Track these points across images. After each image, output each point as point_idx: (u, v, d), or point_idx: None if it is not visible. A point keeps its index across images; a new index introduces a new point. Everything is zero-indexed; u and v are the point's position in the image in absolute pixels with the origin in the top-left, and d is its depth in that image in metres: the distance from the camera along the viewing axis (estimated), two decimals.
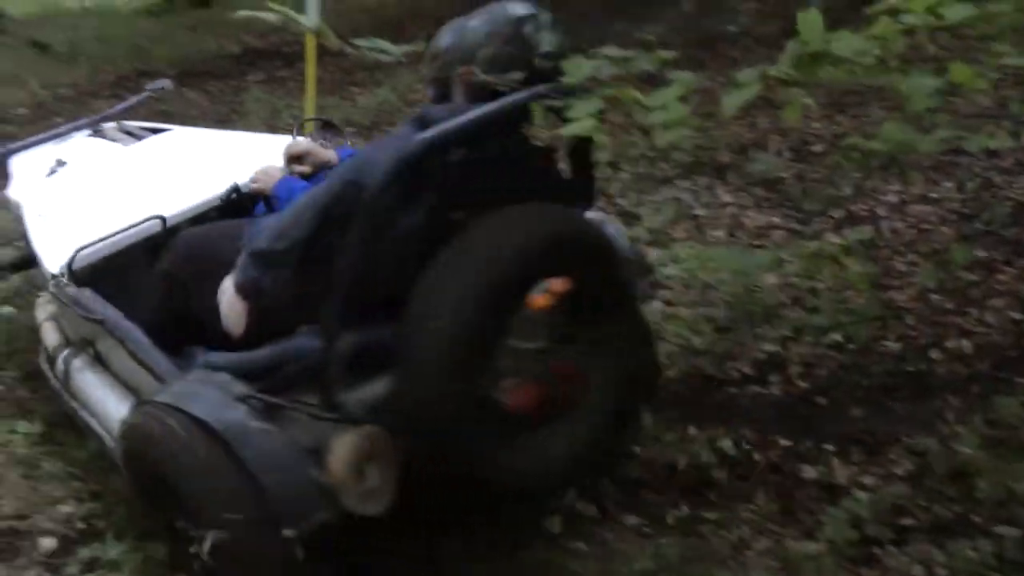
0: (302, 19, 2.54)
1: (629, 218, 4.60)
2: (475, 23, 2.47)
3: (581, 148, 2.47)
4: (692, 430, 2.97)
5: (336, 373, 2.17)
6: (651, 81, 2.12)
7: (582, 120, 2.11)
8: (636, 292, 2.58)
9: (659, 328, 3.59)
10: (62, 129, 3.82)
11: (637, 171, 5.04)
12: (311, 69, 6.03)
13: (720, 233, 4.42)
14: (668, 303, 3.83)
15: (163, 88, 4.78)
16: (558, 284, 2.18)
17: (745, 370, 3.35)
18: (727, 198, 4.75)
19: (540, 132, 2.44)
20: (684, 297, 3.84)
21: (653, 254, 4.23)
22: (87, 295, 2.63)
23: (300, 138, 3.02)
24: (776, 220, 4.51)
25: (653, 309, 3.73)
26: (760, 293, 3.78)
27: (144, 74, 8.09)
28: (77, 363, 2.71)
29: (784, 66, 2.05)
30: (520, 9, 2.47)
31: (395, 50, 2.64)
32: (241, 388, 2.19)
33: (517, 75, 2.34)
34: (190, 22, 11.01)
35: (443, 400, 2.11)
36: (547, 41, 2.42)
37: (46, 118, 6.90)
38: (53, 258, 2.84)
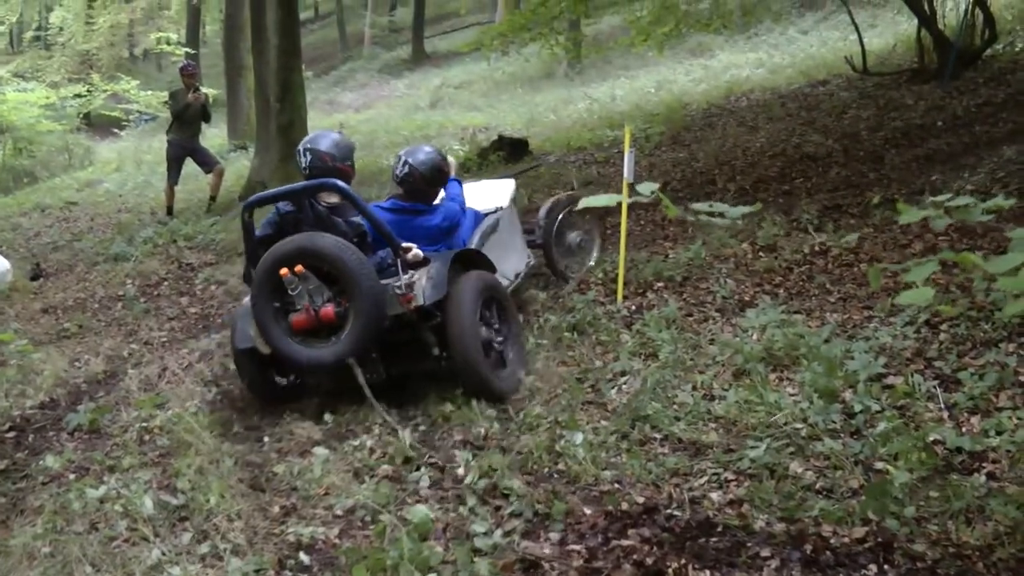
0: (642, 187, 2.82)
1: (948, 383, 4.52)
2: None
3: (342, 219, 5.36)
4: None
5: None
6: (974, 234, 2.21)
7: (921, 290, 2.20)
8: (364, 278, 4.92)
9: (982, 503, 3.52)
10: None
11: (956, 332, 4.94)
12: (624, 223, 6.46)
13: None
14: (991, 476, 3.73)
15: (540, 164, 9.58)
16: (298, 267, 4.95)
17: None
18: None
19: (327, 199, 5.34)
20: (1011, 472, 3.72)
21: (974, 423, 4.15)
22: None
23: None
24: None
25: (975, 483, 3.66)
26: None
27: None
28: None
29: None
30: (304, 142, 5.55)
31: (734, 212, 2.84)
32: None
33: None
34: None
35: (256, 311, 5.12)
36: (305, 162, 5.42)
37: None
38: None
